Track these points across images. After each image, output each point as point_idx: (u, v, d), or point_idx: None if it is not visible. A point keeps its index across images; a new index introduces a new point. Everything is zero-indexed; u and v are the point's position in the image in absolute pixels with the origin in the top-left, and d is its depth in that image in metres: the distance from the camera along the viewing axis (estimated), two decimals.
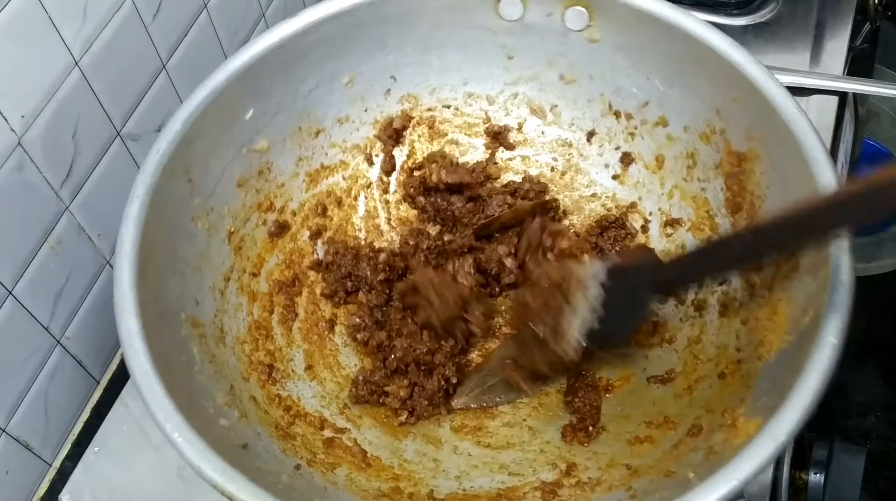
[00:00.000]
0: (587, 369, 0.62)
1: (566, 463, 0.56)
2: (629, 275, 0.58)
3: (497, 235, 0.68)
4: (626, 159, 0.68)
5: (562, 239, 0.66)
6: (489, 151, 0.72)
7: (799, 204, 0.51)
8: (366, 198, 0.70)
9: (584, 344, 0.58)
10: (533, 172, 0.71)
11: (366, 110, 0.69)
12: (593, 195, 0.69)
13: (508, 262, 0.65)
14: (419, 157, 0.71)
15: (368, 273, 0.66)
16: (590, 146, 0.70)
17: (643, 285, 0.58)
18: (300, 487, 0.51)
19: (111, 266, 0.53)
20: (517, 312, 0.64)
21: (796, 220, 0.50)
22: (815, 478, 0.61)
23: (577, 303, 0.58)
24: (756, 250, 0.53)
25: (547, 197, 0.69)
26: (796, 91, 0.72)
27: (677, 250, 0.65)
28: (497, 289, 0.67)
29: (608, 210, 0.69)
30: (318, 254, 0.67)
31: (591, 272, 0.59)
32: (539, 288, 0.61)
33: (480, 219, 0.67)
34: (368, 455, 0.57)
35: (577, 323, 0.58)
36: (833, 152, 0.74)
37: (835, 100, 0.78)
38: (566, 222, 0.69)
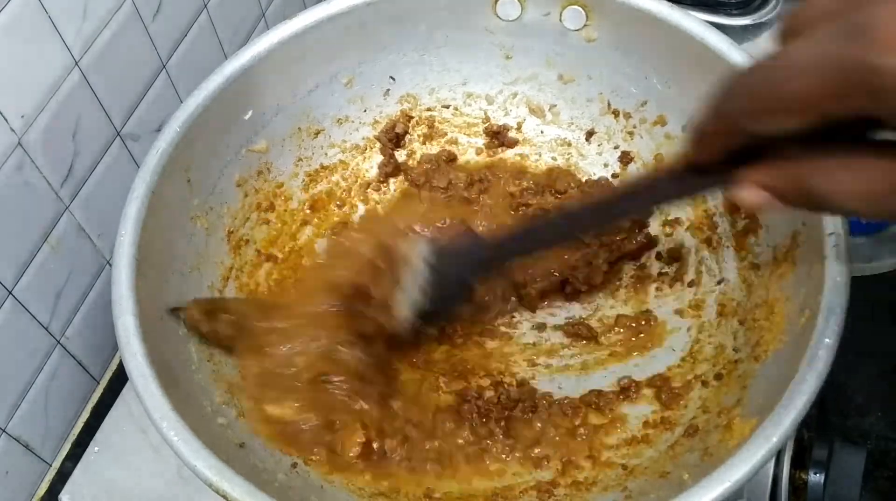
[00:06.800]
0: None
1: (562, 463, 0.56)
2: (456, 256, 0.58)
3: None
4: (625, 158, 0.68)
5: None
6: (489, 151, 0.72)
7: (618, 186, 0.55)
8: (366, 198, 0.70)
9: (411, 322, 0.57)
10: None
11: (365, 111, 0.69)
12: None
13: None
14: (419, 157, 0.71)
15: None
16: (589, 145, 0.70)
17: (468, 265, 0.58)
18: (297, 485, 0.51)
19: (111, 266, 0.53)
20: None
21: (609, 201, 0.51)
22: (815, 478, 0.61)
23: (405, 280, 0.57)
24: (571, 229, 0.55)
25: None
26: None
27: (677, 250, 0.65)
28: None
29: None
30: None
31: (417, 250, 0.58)
32: (364, 261, 0.59)
33: None
34: None
35: (405, 302, 0.57)
36: None
37: None
38: None
